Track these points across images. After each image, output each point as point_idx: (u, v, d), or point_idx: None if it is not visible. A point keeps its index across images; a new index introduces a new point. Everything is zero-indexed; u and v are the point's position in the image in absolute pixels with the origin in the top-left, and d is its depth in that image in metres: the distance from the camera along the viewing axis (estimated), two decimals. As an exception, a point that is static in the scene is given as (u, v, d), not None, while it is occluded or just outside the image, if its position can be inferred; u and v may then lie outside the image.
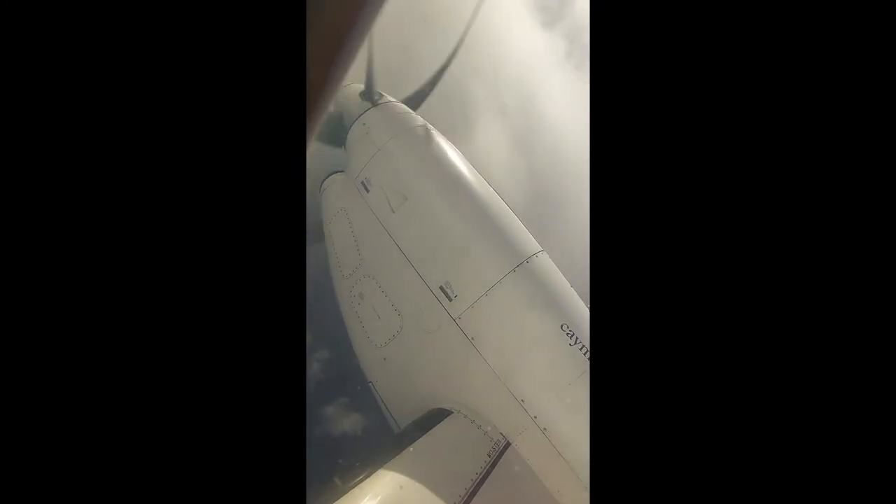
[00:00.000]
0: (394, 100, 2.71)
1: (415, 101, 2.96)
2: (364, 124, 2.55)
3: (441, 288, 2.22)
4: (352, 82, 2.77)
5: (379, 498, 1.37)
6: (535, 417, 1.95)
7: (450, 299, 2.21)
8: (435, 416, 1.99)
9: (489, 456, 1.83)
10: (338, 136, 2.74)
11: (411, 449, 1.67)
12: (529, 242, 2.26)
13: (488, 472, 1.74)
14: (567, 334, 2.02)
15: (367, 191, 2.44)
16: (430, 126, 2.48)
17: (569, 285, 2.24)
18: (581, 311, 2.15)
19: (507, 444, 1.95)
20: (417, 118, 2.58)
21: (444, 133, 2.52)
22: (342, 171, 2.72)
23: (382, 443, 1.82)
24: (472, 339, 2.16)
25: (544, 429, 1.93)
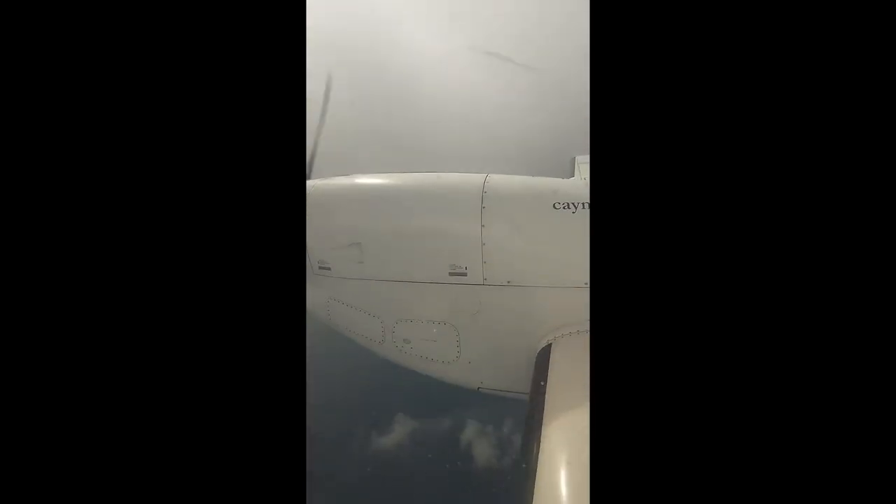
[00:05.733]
0: None
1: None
2: None
3: (451, 273, 2.25)
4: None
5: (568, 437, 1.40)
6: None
7: (466, 275, 2.24)
8: (544, 357, 2.02)
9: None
10: None
11: (547, 391, 1.70)
12: (474, 180, 2.31)
13: None
14: (564, 206, 2.10)
15: (330, 269, 2.44)
16: (317, 180, 2.50)
17: (529, 177, 2.31)
18: (548, 183, 2.24)
19: None
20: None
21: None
22: None
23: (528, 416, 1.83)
24: (508, 282, 2.21)
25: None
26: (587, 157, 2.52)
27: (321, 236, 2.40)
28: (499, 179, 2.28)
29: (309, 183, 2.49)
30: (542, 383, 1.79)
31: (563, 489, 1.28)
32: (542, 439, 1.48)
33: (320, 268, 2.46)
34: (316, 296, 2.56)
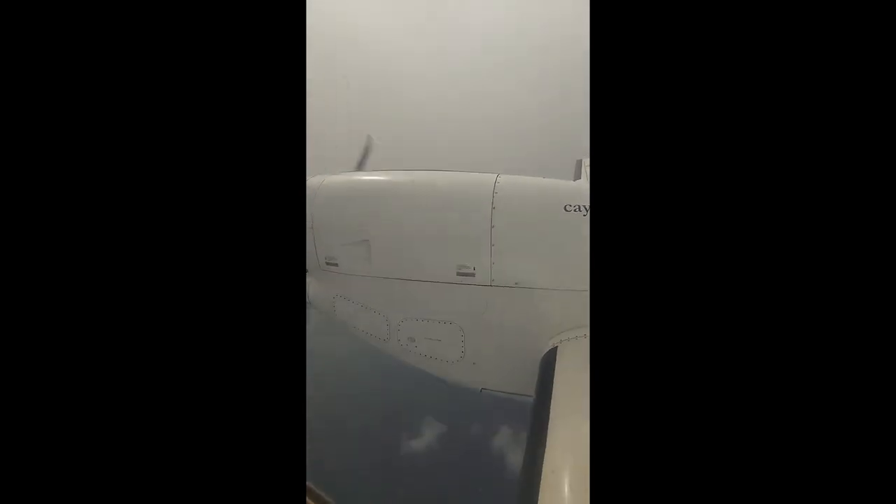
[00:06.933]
0: None
1: None
2: None
3: (458, 274, 2.24)
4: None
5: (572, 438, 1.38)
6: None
7: (473, 275, 2.24)
8: (549, 361, 2.01)
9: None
10: None
11: (553, 395, 1.68)
12: (484, 180, 2.30)
13: None
14: (575, 209, 2.09)
15: (337, 265, 2.44)
16: (326, 175, 2.50)
17: (540, 178, 2.30)
18: (559, 185, 2.22)
19: None
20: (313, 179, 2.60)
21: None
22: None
23: (534, 420, 1.82)
24: (516, 284, 2.19)
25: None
26: None
27: (329, 231, 2.40)
28: (510, 180, 2.27)
29: (318, 178, 2.50)
30: (548, 387, 1.77)
31: (567, 493, 1.27)
32: (546, 443, 1.47)
33: (327, 263, 2.46)
34: (322, 291, 2.57)
